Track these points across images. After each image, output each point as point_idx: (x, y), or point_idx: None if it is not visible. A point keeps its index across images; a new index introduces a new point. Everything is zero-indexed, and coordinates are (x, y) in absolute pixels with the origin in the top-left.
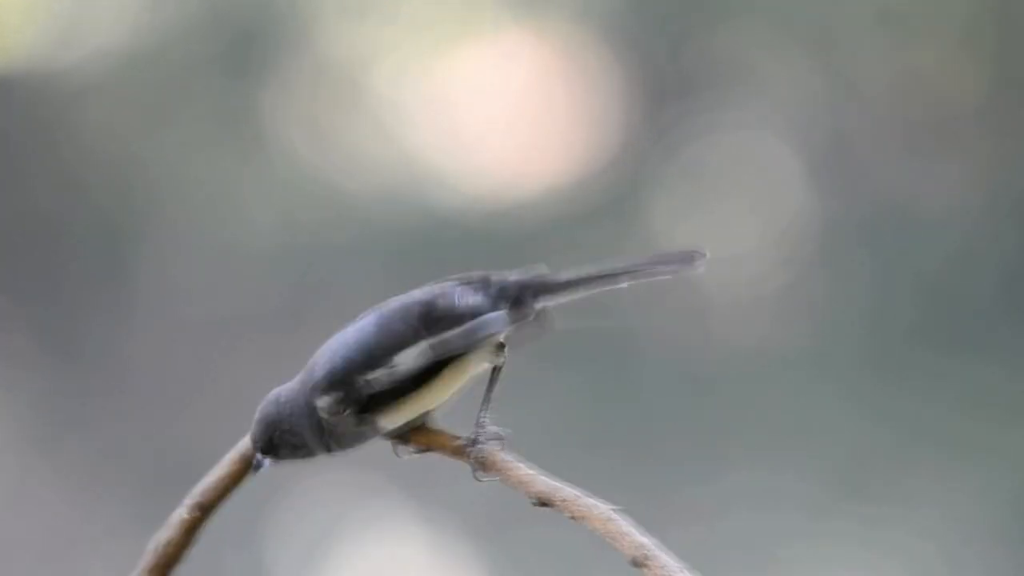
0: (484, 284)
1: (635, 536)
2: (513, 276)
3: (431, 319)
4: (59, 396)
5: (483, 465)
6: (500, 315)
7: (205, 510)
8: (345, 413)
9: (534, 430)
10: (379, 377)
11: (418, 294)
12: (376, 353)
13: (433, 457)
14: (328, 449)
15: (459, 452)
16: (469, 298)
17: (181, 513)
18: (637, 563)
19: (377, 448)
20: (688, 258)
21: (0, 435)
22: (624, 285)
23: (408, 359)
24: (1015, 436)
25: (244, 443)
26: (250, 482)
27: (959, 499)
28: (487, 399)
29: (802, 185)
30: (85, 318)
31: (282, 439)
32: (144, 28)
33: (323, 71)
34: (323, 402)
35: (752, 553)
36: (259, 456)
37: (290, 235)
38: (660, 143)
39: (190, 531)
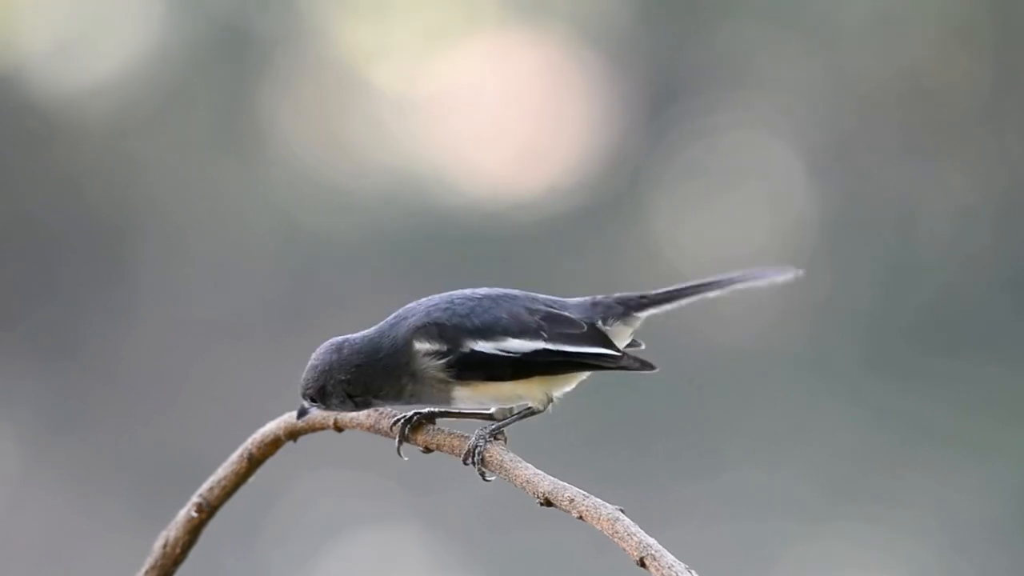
0: (592, 303)
1: (641, 536)
2: (614, 297)
3: (554, 322)
4: (59, 396)
5: (487, 465)
6: (614, 355)
7: (209, 509)
8: (440, 363)
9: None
10: (486, 351)
11: (526, 295)
12: (495, 328)
13: (433, 457)
14: (389, 397)
15: (465, 452)
16: (581, 313)
17: (189, 512)
18: (643, 563)
19: (377, 448)
20: (779, 272)
21: (0, 435)
22: (714, 295)
23: (523, 347)
24: (1015, 436)
25: (247, 443)
26: (250, 482)
27: (958, 498)
28: (500, 426)
29: (802, 185)
30: (85, 318)
31: (336, 388)
32: (144, 29)
33: (323, 71)
34: (424, 346)
35: (752, 551)
36: (306, 403)
37: (290, 235)
38: (660, 143)
39: (196, 530)
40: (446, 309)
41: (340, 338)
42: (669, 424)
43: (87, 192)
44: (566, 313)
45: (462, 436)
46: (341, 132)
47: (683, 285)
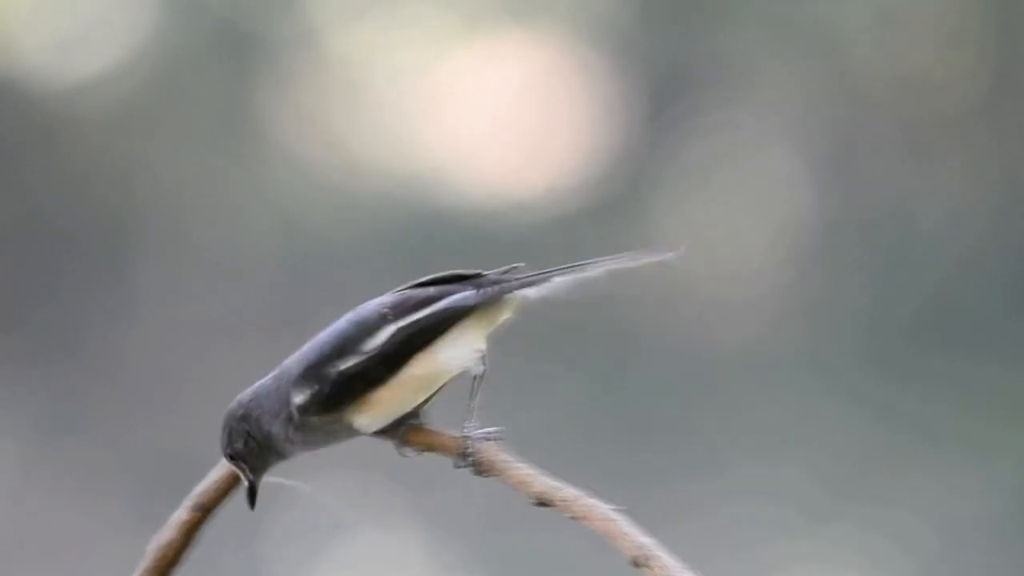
0: (458, 280)
1: (636, 536)
2: (491, 274)
3: (402, 308)
4: (58, 396)
5: (481, 466)
6: (467, 294)
7: (205, 510)
8: (318, 409)
9: (534, 428)
10: (351, 364)
11: (392, 293)
12: (348, 343)
13: (433, 457)
14: (293, 447)
15: (458, 453)
16: (444, 290)
17: (181, 515)
18: (638, 563)
19: (377, 448)
20: (659, 250)
21: (0, 435)
22: (594, 274)
23: (378, 341)
24: (1014, 435)
25: None
26: None
27: (958, 498)
28: (470, 408)
29: (802, 185)
30: (85, 318)
31: (247, 442)
32: (144, 29)
33: (323, 71)
34: (299, 398)
35: (752, 551)
36: (234, 466)
37: (290, 235)
38: (660, 143)
39: (190, 532)
40: (296, 360)
41: (239, 396)
42: (668, 423)
43: (87, 192)
44: (421, 294)
45: (456, 437)
46: (341, 132)
47: (556, 268)
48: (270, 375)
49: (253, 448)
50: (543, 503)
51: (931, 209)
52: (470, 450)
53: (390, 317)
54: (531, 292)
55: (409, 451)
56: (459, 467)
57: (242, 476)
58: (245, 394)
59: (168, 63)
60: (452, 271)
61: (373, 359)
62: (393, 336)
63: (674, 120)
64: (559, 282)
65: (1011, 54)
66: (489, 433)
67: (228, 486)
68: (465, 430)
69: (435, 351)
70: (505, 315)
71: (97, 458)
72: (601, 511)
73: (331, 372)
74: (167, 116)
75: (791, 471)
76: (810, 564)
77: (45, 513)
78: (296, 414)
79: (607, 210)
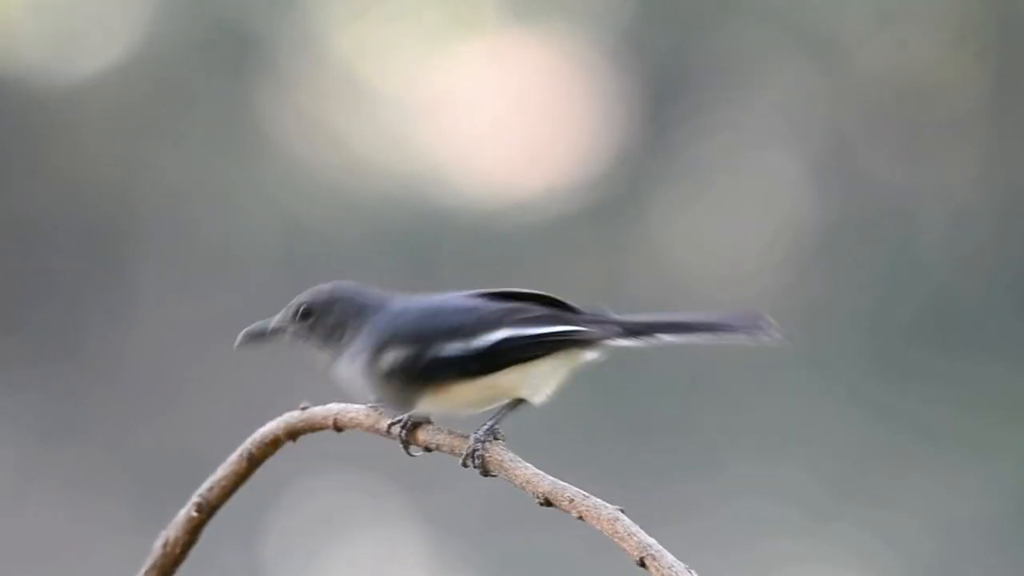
0: (547, 303)
1: (641, 536)
2: (585, 311)
3: (517, 318)
4: (59, 396)
5: (487, 465)
6: (588, 329)
7: (209, 510)
8: (401, 371)
9: (534, 428)
10: (455, 352)
11: (489, 295)
12: (461, 330)
13: (433, 457)
14: (345, 372)
15: (465, 452)
16: (557, 315)
17: (189, 512)
18: (643, 563)
19: (377, 448)
20: (768, 330)
21: (0, 435)
22: (699, 341)
23: (488, 340)
24: (1014, 435)
25: (247, 443)
26: (250, 482)
27: (958, 498)
28: (498, 418)
29: (802, 185)
30: (85, 318)
31: (320, 317)
32: (144, 29)
33: (323, 71)
34: (392, 354)
35: (752, 550)
36: (292, 321)
37: (290, 235)
38: (661, 143)
39: (195, 530)
40: (414, 317)
41: (358, 287)
42: (669, 423)
43: (87, 192)
44: (526, 304)
45: (462, 436)
46: (341, 132)
47: (658, 320)
48: (394, 299)
49: (318, 322)
50: (549, 502)
51: (931, 209)
52: (478, 450)
53: (505, 322)
54: (636, 342)
55: (415, 450)
56: (467, 466)
57: (283, 319)
58: (366, 293)
59: (168, 63)
60: (534, 291)
61: (478, 354)
62: (503, 341)
63: (674, 120)
64: (663, 339)
65: (1011, 54)
66: (495, 433)
67: (232, 485)
68: (481, 428)
69: (530, 369)
70: (594, 356)
71: (97, 459)
72: (606, 511)
73: (433, 350)
74: (167, 116)
75: (791, 471)
76: (810, 563)
77: (46, 513)
78: (379, 360)
79: (607, 210)
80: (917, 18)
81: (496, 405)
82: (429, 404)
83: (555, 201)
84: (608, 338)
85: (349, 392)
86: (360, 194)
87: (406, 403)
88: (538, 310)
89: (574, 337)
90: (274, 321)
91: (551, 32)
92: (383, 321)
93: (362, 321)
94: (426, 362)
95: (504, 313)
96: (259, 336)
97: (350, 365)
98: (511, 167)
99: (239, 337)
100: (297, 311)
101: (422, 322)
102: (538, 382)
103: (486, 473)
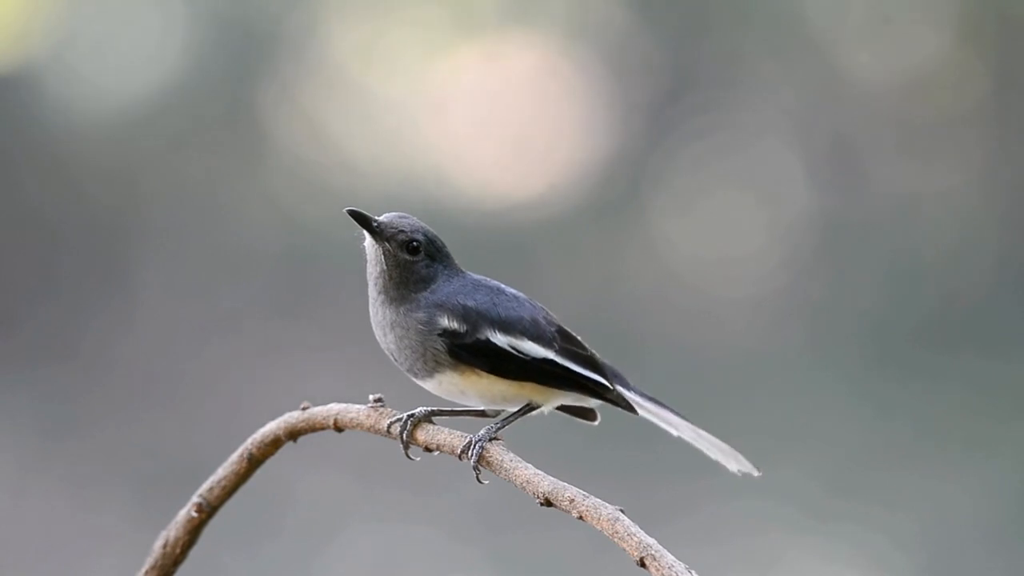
0: (581, 350)
1: (641, 536)
2: (607, 363)
3: (567, 348)
4: (59, 396)
5: (487, 465)
6: (617, 388)
7: (210, 510)
8: (448, 336)
9: (534, 428)
10: (501, 343)
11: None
12: (518, 329)
13: (434, 457)
14: (398, 309)
15: (465, 453)
16: (596, 363)
17: (189, 512)
18: (643, 563)
19: (377, 448)
20: (743, 464)
21: (0, 435)
22: (702, 439)
23: (535, 352)
24: (1016, 434)
25: (247, 443)
26: (250, 482)
27: (960, 496)
28: (505, 422)
29: (802, 184)
30: (85, 318)
31: (410, 242)
32: (144, 29)
33: (323, 71)
34: (447, 318)
35: (752, 549)
36: (393, 241)
37: (290, 235)
38: (660, 143)
39: (196, 530)
40: (480, 294)
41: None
42: None
43: (87, 192)
44: (575, 335)
45: (462, 436)
46: (342, 132)
47: (666, 404)
48: (467, 273)
49: (414, 263)
50: (549, 502)
51: (932, 208)
52: (480, 442)
53: (555, 345)
54: (647, 406)
55: (415, 452)
56: (462, 459)
57: (388, 233)
58: (452, 257)
59: (170, 64)
60: (580, 344)
61: (520, 358)
62: (547, 362)
63: (674, 120)
64: (672, 419)
65: (1011, 54)
66: (495, 433)
67: (233, 485)
68: (484, 430)
69: (549, 393)
70: (599, 403)
71: (97, 458)
72: (606, 511)
73: (485, 335)
74: (168, 117)
75: (791, 470)
76: (810, 562)
77: (46, 513)
78: (439, 318)
79: (607, 210)
80: (917, 18)
81: (499, 407)
82: (448, 380)
83: (555, 201)
84: (619, 403)
85: (382, 338)
86: (360, 194)
87: (433, 368)
88: (587, 351)
89: (597, 389)
90: (379, 222)
91: (551, 32)
92: (458, 287)
93: (443, 281)
94: (470, 342)
95: (558, 336)
96: (362, 221)
97: (411, 313)
98: (511, 167)
99: (350, 208)
100: (409, 242)
101: (487, 303)
102: (555, 401)
103: (479, 475)
